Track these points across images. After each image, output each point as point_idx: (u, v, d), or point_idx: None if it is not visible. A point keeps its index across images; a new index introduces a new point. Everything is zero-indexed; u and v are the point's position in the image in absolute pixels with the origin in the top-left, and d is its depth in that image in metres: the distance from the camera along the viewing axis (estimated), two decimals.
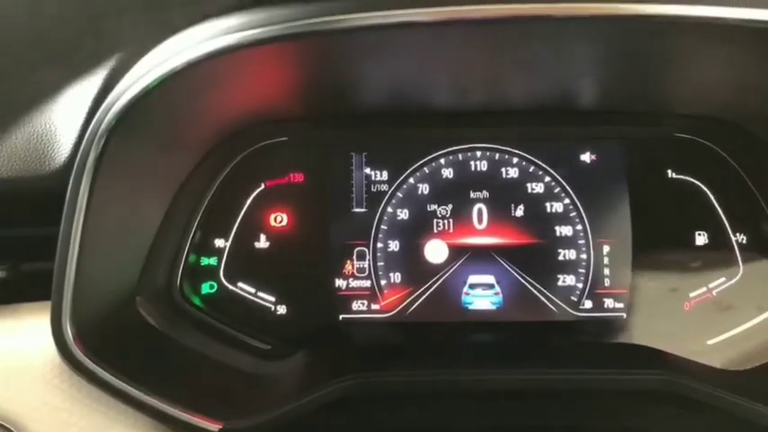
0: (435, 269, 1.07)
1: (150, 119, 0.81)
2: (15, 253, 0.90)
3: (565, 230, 1.07)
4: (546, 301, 1.06)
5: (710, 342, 1.04)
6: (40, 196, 0.86)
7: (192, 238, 1.05)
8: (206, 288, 1.06)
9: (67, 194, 0.80)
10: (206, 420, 0.80)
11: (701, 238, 1.06)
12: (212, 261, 1.06)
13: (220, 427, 0.80)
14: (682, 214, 1.06)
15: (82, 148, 0.79)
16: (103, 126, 0.77)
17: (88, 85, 0.81)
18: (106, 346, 0.82)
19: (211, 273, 1.06)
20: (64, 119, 0.83)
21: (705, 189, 1.07)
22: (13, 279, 0.89)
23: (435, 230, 1.07)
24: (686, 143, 1.07)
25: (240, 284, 1.06)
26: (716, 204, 1.07)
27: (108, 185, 0.81)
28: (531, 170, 1.08)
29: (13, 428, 0.81)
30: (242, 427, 0.81)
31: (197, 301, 1.05)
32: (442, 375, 0.89)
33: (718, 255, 1.06)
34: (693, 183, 1.07)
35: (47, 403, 0.82)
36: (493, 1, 0.63)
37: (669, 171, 1.07)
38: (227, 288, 1.06)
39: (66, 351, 0.79)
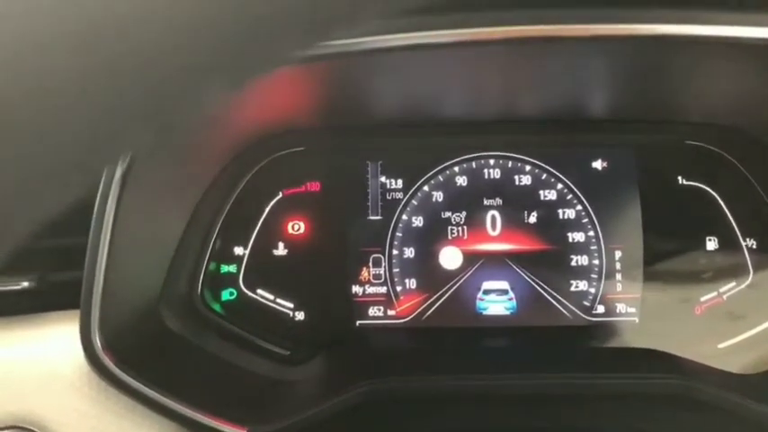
0: (450, 275, 1.09)
1: (175, 133, 0.83)
2: (43, 264, 0.93)
3: (577, 236, 1.09)
4: (559, 306, 1.08)
5: (721, 346, 1.06)
6: (66, 209, 0.88)
7: (213, 246, 1.07)
8: (226, 295, 1.08)
9: (95, 207, 0.83)
10: (231, 426, 0.82)
11: (711, 244, 1.08)
12: (232, 268, 1.09)
13: (245, 431, 0.82)
14: (692, 220, 1.08)
15: None
16: None
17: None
18: (133, 354, 0.84)
19: (231, 280, 1.09)
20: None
21: (715, 195, 1.08)
22: (41, 289, 0.91)
23: (450, 237, 1.09)
24: (697, 150, 1.08)
25: (259, 291, 1.09)
26: (726, 210, 1.08)
27: (133, 198, 0.83)
28: (543, 177, 1.09)
29: None
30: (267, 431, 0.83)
31: (217, 307, 1.07)
32: (457, 380, 0.91)
33: (729, 260, 1.08)
34: (704, 189, 1.08)
35: (76, 410, 0.84)
36: (513, 22, 0.65)
37: (680, 178, 1.09)
38: (246, 295, 1.08)
39: (95, 359, 0.82)
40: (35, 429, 0.83)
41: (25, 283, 0.91)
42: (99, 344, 0.81)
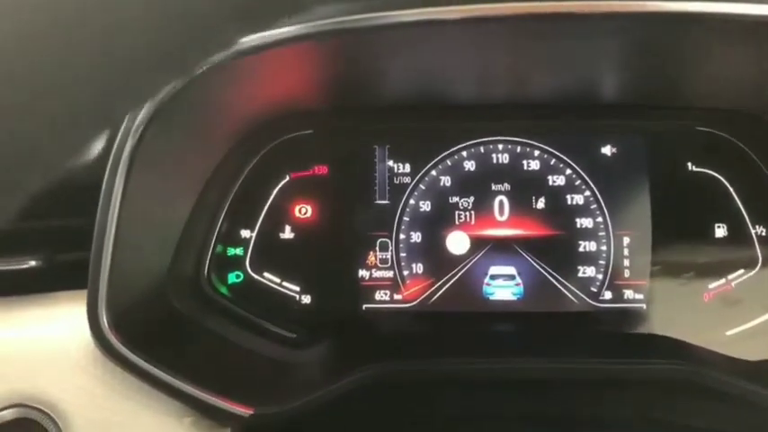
0: (457, 260, 1.09)
1: (184, 112, 0.83)
2: (50, 243, 0.93)
3: (585, 222, 1.08)
4: (566, 291, 1.08)
5: (729, 333, 1.05)
6: (73, 189, 0.89)
7: (219, 228, 1.07)
8: (232, 278, 1.08)
9: (103, 185, 0.83)
10: (238, 406, 0.82)
11: (720, 231, 1.07)
12: (238, 251, 1.09)
13: (252, 412, 0.82)
14: (701, 207, 1.07)
15: (118, 139, 0.82)
16: (140, 118, 0.79)
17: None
18: (140, 334, 0.85)
19: (238, 263, 1.08)
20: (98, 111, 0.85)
21: (725, 182, 1.07)
22: (48, 269, 0.92)
23: (457, 222, 1.09)
24: (707, 136, 1.08)
25: (266, 274, 1.09)
26: (736, 197, 1.07)
27: (142, 177, 0.83)
28: (552, 163, 1.09)
29: (50, 412, 0.84)
30: (272, 413, 0.83)
31: (224, 290, 1.07)
32: (463, 364, 0.91)
33: (738, 247, 1.07)
34: (713, 176, 1.08)
35: (82, 389, 0.84)
36: None
37: (689, 164, 1.08)
38: (252, 278, 1.08)
39: (102, 339, 0.82)
40: (42, 408, 0.84)
41: (32, 263, 0.91)
42: (106, 323, 0.81)
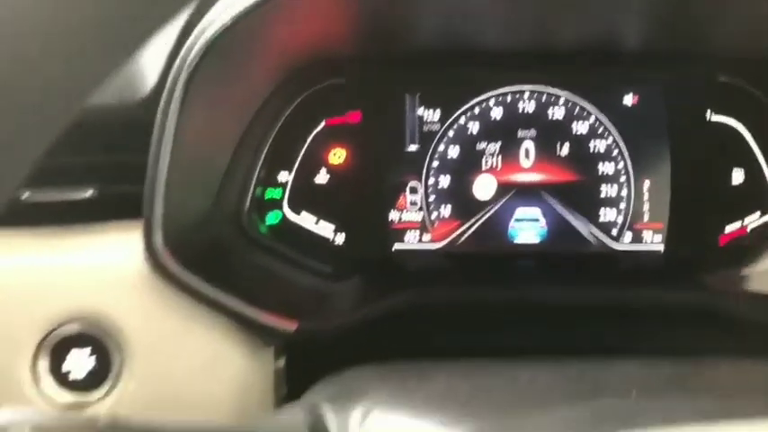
0: (483, 204, 1.14)
1: (232, 50, 0.89)
2: (102, 176, 0.99)
3: (607, 168, 1.13)
4: (588, 234, 1.13)
5: (744, 274, 1.10)
6: (126, 125, 0.95)
7: (259, 172, 1.13)
8: (271, 219, 1.14)
9: (157, 120, 0.89)
10: (283, 322, 0.88)
11: (737, 177, 1.12)
12: (277, 194, 1.14)
13: (296, 326, 0.88)
14: (719, 154, 1.12)
15: (171, 76, 0.88)
16: (193, 54, 0.85)
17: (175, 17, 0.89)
18: (191, 257, 0.91)
19: (276, 204, 1.14)
20: (150, 50, 0.92)
21: (743, 130, 1.12)
22: (101, 200, 0.98)
23: (484, 167, 1.14)
24: (727, 86, 1.11)
25: (302, 216, 1.14)
26: (753, 145, 1.12)
27: (193, 112, 0.90)
28: (576, 111, 1.14)
29: (108, 329, 0.91)
30: (313, 329, 0.89)
31: (263, 229, 1.13)
32: (490, 292, 0.97)
33: (754, 192, 1.12)
34: (732, 124, 1.12)
35: (136, 307, 0.91)
36: None
37: (709, 112, 1.12)
38: (290, 218, 1.14)
39: (157, 260, 0.88)
40: (100, 325, 0.90)
41: (87, 193, 0.97)
42: (161, 244, 0.87)
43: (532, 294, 0.97)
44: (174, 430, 0.60)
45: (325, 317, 0.92)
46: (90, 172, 0.97)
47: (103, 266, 0.93)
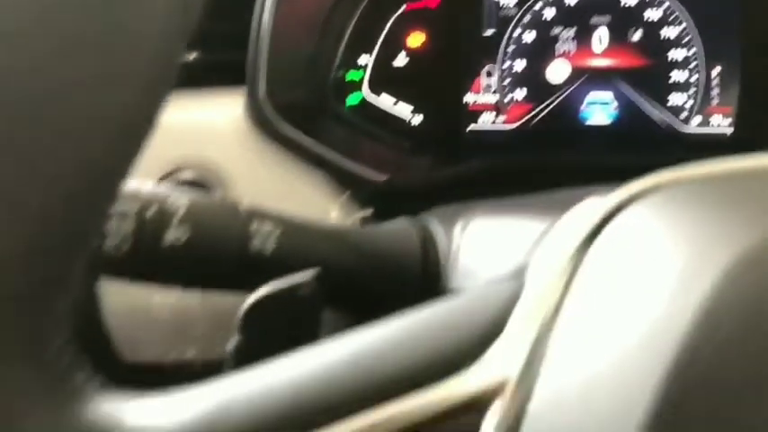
0: (556, 87, 1.19)
1: None
2: (203, 43, 1.06)
3: (678, 54, 1.17)
4: (657, 117, 1.17)
5: None
6: None
7: (341, 54, 1.19)
8: (351, 99, 1.20)
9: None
10: (375, 172, 0.95)
11: None
12: (357, 76, 1.20)
13: (385, 177, 0.95)
14: None
15: None
16: None
17: None
18: (289, 114, 0.98)
19: (356, 86, 1.20)
20: None
21: None
22: (203, 64, 1.05)
23: (558, 52, 1.18)
24: None
25: (381, 97, 1.20)
26: None
27: None
28: None
29: (219, 180, 0.98)
30: (401, 182, 0.96)
31: (344, 110, 1.19)
32: (562, 158, 1.03)
33: None
34: None
35: (244, 159, 0.98)
36: None
37: None
38: (370, 99, 1.20)
39: (261, 113, 0.95)
40: (210, 171, 0.98)
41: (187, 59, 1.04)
42: (265, 96, 0.94)
43: (603, 159, 1.02)
44: (307, 225, 0.68)
45: (408, 175, 0.99)
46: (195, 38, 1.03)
47: (212, 123, 1.00)
